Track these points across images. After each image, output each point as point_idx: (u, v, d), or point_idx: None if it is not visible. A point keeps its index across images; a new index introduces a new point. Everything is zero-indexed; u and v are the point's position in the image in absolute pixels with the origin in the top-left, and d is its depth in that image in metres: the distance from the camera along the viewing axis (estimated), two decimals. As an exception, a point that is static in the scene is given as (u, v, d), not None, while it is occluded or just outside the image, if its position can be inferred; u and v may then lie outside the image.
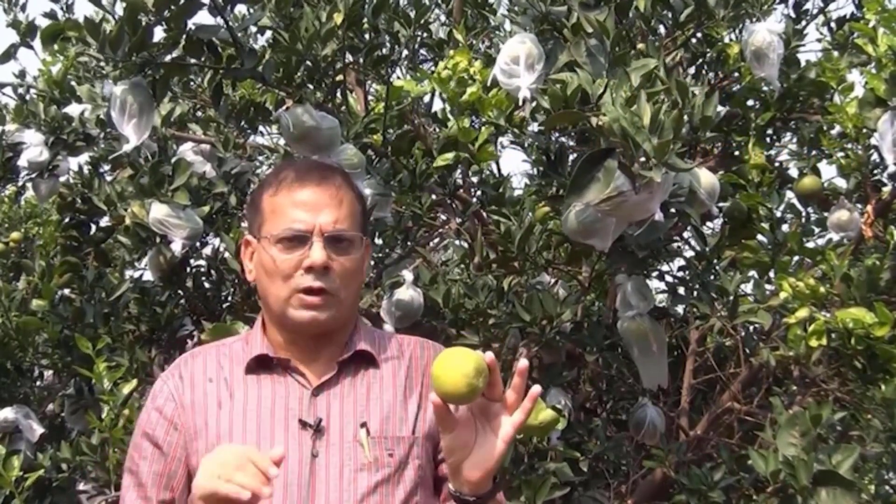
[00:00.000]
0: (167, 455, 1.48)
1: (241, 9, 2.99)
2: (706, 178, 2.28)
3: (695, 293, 2.60)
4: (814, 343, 2.40)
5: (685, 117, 1.70)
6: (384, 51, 2.99)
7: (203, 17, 3.44)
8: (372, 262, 2.96)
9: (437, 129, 3.11)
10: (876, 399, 2.45)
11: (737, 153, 3.08)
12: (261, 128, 3.81)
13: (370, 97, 3.64)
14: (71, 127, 3.11)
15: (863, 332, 2.35)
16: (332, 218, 1.46)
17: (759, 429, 2.83)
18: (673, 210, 2.24)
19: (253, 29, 3.21)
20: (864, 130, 2.73)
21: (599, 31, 1.92)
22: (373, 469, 1.43)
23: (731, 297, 2.52)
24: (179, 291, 3.12)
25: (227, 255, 3.01)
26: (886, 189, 2.95)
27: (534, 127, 2.86)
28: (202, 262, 3.23)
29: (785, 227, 3.26)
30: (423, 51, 3.59)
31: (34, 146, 3.10)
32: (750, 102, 3.02)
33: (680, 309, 3.10)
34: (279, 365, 1.49)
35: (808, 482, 2.13)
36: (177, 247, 2.72)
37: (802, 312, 2.44)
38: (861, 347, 2.37)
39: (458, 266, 3.47)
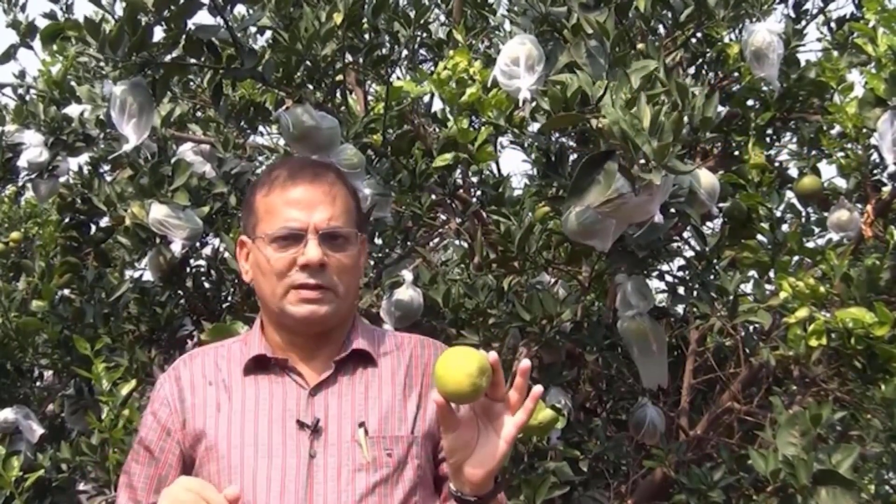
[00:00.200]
0: (158, 460, 1.49)
1: (240, 9, 2.99)
2: (706, 179, 2.28)
3: (695, 293, 2.60)
4: (814, 343, 2.40)
5: (685, 119, 1.70)
6: (384, 51, 2.99)
7: (203, 17, 3.45)
8: (372, 262, 2.96)
9: (437, 130, 3.11)
10: (876, 399, 2.45)
11: (737, 153, 3.08)
12: (261, 128, 3.81)
13: (370, 97, 3.64)
14: (71, 127, 3.10)
15: (863, 331, 2.35)
16: (326, 215, 1.46)
17: (759, 429, 2.83)
18: (673, 210, 2.24)
19: (253, 29, 3.21)
20: (864, 130, 2.73)
21: (599, 33, 1.92)
22: (371, 469, 1.42)
23: (731, 297, 2.52)
24: (179, 291, 3.13)
25: (226, 255, 3.01)
26: (886, 189, 2.95)
27: (533, 127, 2.86)
28: (202, 263, 3.23)
29: (785, 227, 3.26)
30: (422, 51, 3.59)
31: (34, 146, 3.10)
32: (750, 102, 3.02)
33: (680, 309, 3.10)
34: (277, 365, 1.49)
35: (808, 482, 2.13)
36: (176, 247, 2.72)
37: (802, 312, 2.44)
38: (861, 347, 2.37)
39: (458, 266, 3.47)
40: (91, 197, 3.28)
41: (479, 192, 3.27)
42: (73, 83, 3.30)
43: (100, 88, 3.11)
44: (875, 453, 2.68)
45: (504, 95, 2.68)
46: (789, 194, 3.25)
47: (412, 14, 2.99)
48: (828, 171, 6.05)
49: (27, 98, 3.32)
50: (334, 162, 2.43)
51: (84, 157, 3.36)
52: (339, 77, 2.96)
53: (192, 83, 3.74)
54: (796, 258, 2.98)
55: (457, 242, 3.78)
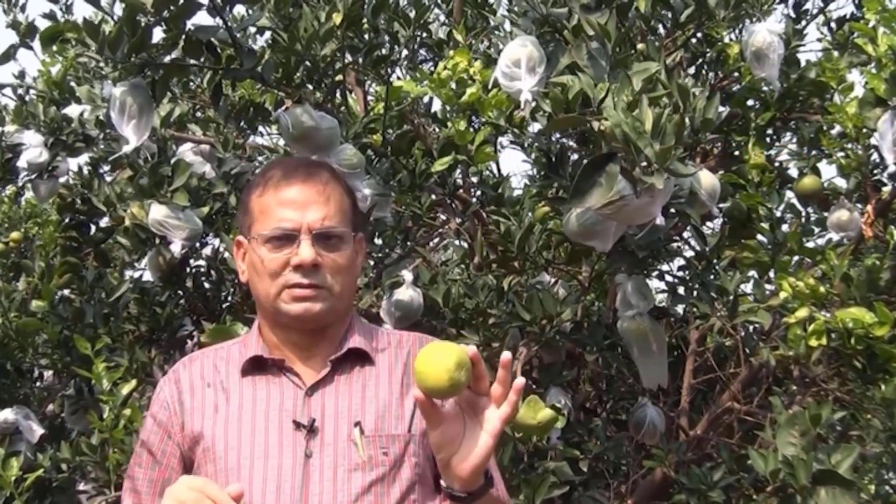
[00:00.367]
0: (161, 463, 1.49)
1: (240, 9, 2.99)
2: (707, 179, 2.28)
3: (695, 293, 2.60)
4: (814, 343, 2.40)
5: (686, 121, 1.70)
6: (384, 51, 2.98)
7: (202, 18, 3.44)
8: (372, 262, 2.96)
9: (437, 129, 3.11)
10: (876, 399, 2.45)
11: (737, 153, 3.08)
12: (260, 128, 3.81)
13: (369, 97, 3.63)
14: (70, 128, 3.10)
15: (863, 331, 2.35)
16: (319, 215, 1.46)
17: (759, 429, 2.83)
18: (673, 210, 2.24)
19: (252, 29, 3.20)
20: (864, 130, 2.73)
21: (601, 34, 1.92)
22: (367, 468, 1.41)
23: (731, 297, 2.52)
24: (179, 292, 3.12)
25: (226, 255, 3.01)
26: (886, 189, 2.95)
27: (534, 127, 2.86)
28: (202, 263, 3.23)
29: (785, 227, 3.26)
30: (422, 51, 3.58)
31: (34, 147, 3.10)
32: (750, 102, 3.02)
33: (680, 309, 3.10)
34: (274, 366, 1.49)
35: (808, 482, 2.13)
36: (176, 247, 2.72)
37: (802, 312, 2.44)
38: (861, 347, 2.37)
39: (458, 266, 3.47)
40: (91, 197, 3.28)
41: (478, 192, 3.27)
42: (72, 84, 3.30)
43: (99, 89, 3.11)
44: (875, 453, 2.69)
45: (504, 95, 2.68)
46: (789, 194, 3.25)
47: (412, 14, 2.99)
48: (828, 171, 6.05)
49: (27, 98, 3.32)
50: (333, 162, 2.43)
51: (84, 158, 3.36)
52: (339, 77, 2.95)
53: (191, 83, 3.74)
54: (796, 258, 2.98)
55: (457, 242, 3.78)
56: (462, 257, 3.55)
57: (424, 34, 3.32)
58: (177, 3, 2.18)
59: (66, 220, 3.51)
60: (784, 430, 2.23)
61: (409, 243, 3.04)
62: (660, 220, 1.85)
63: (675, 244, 2.72)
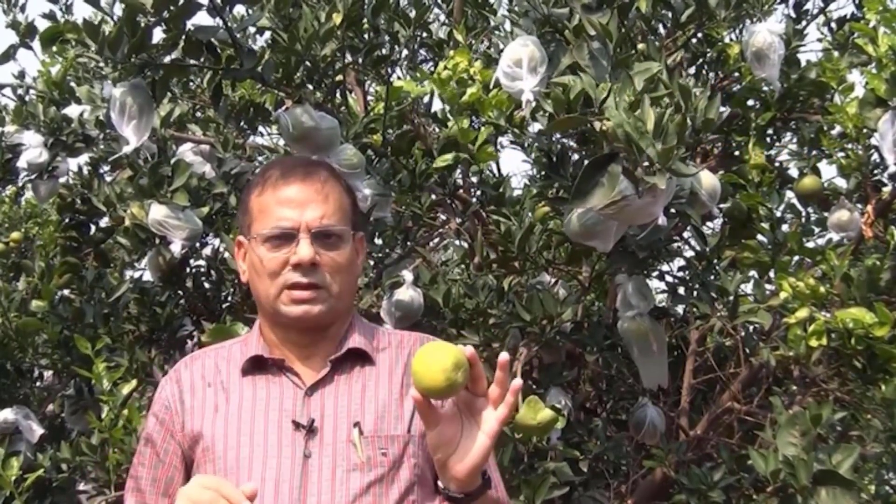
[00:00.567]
0: (163, 462, 1.49)
1: (240, 9, 2.99)
2: (707, 180, 2.28)
3: (695, 293, 2.60)
4: (814, 343, 2.40)
5: (688, 120, 1.70)
6: (384, 51, 2.98)
7: (202, 18, 3.43)
8: (372, 262, 2.96)
9: (437, 130, 3.11)
10: (876, 399, 2.46)
11: (737, 153, 3.08)
12: (260, 128, 3.81)
13: (370, 97, 3.63)
14: (70, 128, 3.10)
15: (863, 332, 2.35)
16: (318, 214, 1.46)
17: (759, 429, 2.83)
18: (674, 211, 2.24)
19: (252, 29, 3.20)
20: (865, 130, 2.73)
21: (602, 34, 1.91)
22: (365, 469, 1.41)
23: (732, 297, 2.53)
24: (179, 292, 3.12)
25: (226, 255, 3.01)
26: (887, 189, 2.95)
27: (534, 127, 2.86)
28: (202, 263, 3.23)
29: (785, 227, 3.27)
30: (422, 51, 3.58)
31: (33, 147, 3.10)
32: (750, 102, 3.02)
33: (680, 309, 3.10)
34: (274, 365, 1.49)
35: (808, 482, 2.13)
36: (176, 248, 2.72)
37: (802, 312, 2.44)
38: (861, 347, 2.37)
39: (458, 266, 3.47)
40: (91, 197, 3.28)
41: (479, 192, 3.26)
42: (72, 84, 3.30)
43: (99, 89, 3.11)
44: (875, 453, 2.69)
45: (504, 95, 2.68)
46: (789, 194, 3.25)
47: (412, 14, 2.99)
48: (828, 171, 6.04)
49: (27, 99, 3.32)
50: (333, 162, 2.43)
51: (84, 158, 3.36)
52: (339, 77, 2.95)
53: (191, 84, 3.73)
54: (796, 258, 2.98)
55: (457, 242, 3.78)
56: (462, 257, 3.55)
57: (424, 34, 3.32)
58: (177, 3, 2.18)
59: (66, 220, 3.51)
60: (784, 430, 2.23)
61: (409, 243, 3.04)
62: (662, 220, 1.85)
63: (675, 244, 2.72)
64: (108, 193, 3.07)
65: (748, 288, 2.85)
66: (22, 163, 3.12)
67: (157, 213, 2.67)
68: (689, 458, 2.87)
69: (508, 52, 2.07)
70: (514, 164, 20.74)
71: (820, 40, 3.43)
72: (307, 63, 2.54)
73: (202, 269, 3.22)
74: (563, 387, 2.81)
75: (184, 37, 2.28)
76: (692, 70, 3.09)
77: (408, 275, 2.74)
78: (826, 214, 3.11)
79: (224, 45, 2.44)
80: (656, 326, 2.51)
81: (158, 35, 2.28)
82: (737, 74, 3.02)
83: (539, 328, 2.56)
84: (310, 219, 1.45)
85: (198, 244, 3.07)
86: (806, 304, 2.45)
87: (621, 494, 3.03)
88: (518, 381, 1.35)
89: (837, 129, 2.99)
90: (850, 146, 2.95)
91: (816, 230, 3.26)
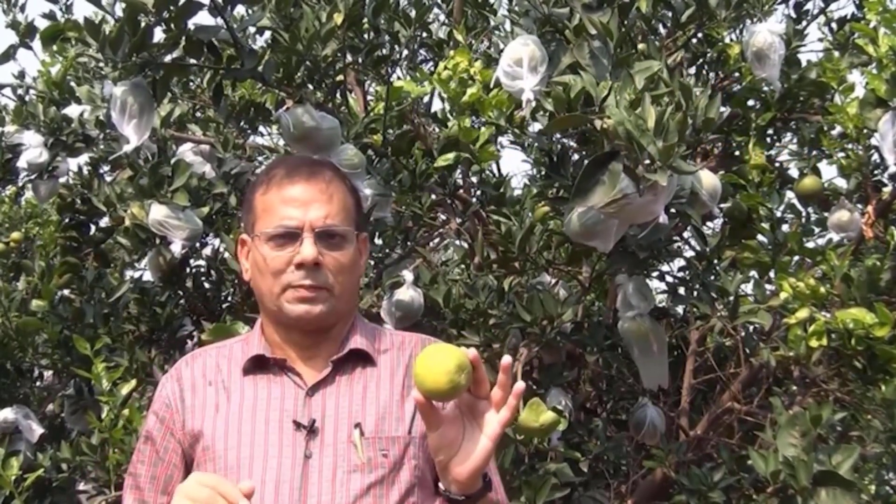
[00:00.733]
0: (163, 460, 1.49)
1: (240, 9, 2.99)
2: (708, 180, 2.28)
3: (695, 293, 2.60)
4: (814, 343, 2.40)
5: (689, 119, 1.70)
6: (384, 51, 2.98)
7: (203, 18, 3.44)
8: (372, 262, 2.96)
9: (437, 129, 3.11)
10: (876, 399, 2.46)
11: (737, 153, 3.08)
12: (261, 128, 3.81)
13: (370, 97, 3.63)
14: (70, 128, 3.10)
15: (863, 332, 2.35)
16: (322, 213, 1.45)
17: (759, 429, 2.83)
18: (674, 210, 2.24)
19: (252, 29, 3.20)
20: (865, 131, 2.73)
21: (603, 33, 1.91)
22: (366, 470, 1.41)
23: (732, 298, 2.53)
24: (179, 292, 3.12)
25: (226, 255, 3.01)
26: (887, 189, 2.95)
27: (534, 127, 2.86)
28: (202, 263, 3.23)
29: (785, 228, 3.27)
30: (423, 51, 3.58)
31: (33, 147, 3.10)
32: (750, 103, 3.02)
33: (680, 309, 3.10)
34: (275, 365, 1.48)
35: (808, 482, 2.13)
36: (176, 248, 2.72)
37: (803, 313, 2.44)
38: (861, 348, 2.37)
39: (459, 266, 3.47)
40: (91, 197, 3.28)
41: (479, 192, 3.26)
42: (72, 84, 3.30)
43: (99, 89, 3.11)
44: (875, 454, 2.69)
45: (504, 95, 2.68)
46: (790, 194, 3.25)
47: (412, 14, 2.99)
48: (828, 171, 6.03)
49: (27, 98, 3.32)
50: (335, 162, 2.43)
51: (84, 158, 3.36)
52: (340, 77, 2.95)
53: (192, 83, 3.74)
54: (797, 258, 2.98)
55: (457, 242, 3.78)
56: (462, 257, 3.55)
57: (425, 34, 3.32)
58: (177, 3, 2.18)
59: (66, 220, 3.51)
60: (784, 430, 2.23)
61: (409, 243, 3.04)
62: (662, 219, 1.85)
63: (675, 244, 2.72)
64: (109, 193, 3.07)
65: (748, 288, 2.85)
66: (22, 163, 3.13)
67: (158, 213, 2.67)
68: (689, 459, 2.87)
69: (509, 52, 2.07)
70: (515, 164, 20.75)
71: (820, 40, 3.44)
72: (308, 63, 2.54)
73: (202, 270, 3.22)
74: (563, 387, 2.81)
75: (185, 36, 2.28)
76: (692, 70, 3.10)
77: (408, 275, 2.74)
78: (826, 215, 3.11)
79: (225, 45, 2.44)
80: (656, 327, 2.51)
81: (159, 34, 2.29)
82: (737, 74, 3.02)
83: (539, 328, 2.55)
84: (314, 218, 1.45)
85: (198, 244, 3.07)
86: (806, 304, 2.45)
87: (621, 495, 3.02)
88: (520, 385, 1.34)
89: (838, 129, 2.99)
90: (850, 146, 2.95)
91: (817, 230, 3.26)
